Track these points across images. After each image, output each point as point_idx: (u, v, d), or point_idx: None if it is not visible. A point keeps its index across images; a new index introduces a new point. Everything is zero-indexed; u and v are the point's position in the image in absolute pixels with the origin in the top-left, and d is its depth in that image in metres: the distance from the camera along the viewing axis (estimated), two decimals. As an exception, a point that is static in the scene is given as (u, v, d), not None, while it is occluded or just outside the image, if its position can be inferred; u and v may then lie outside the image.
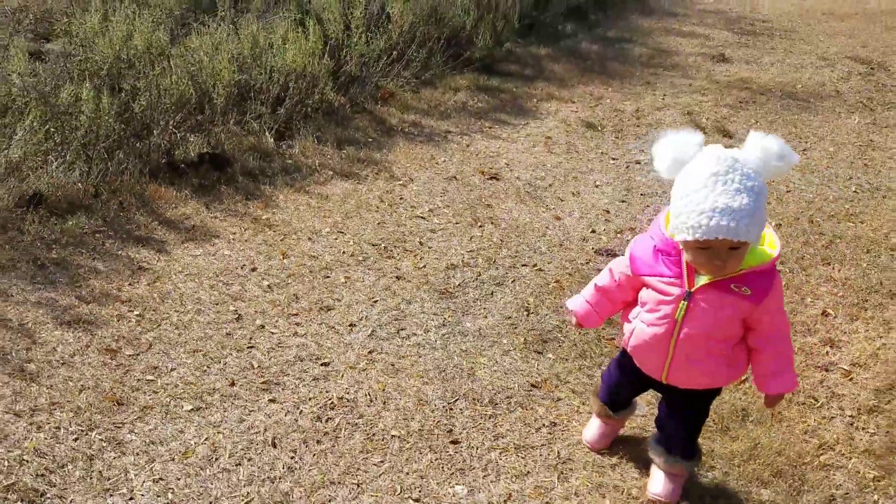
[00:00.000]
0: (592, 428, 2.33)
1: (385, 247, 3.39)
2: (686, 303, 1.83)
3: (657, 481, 2.13)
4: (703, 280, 1.82)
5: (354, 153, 4.25)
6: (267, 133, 4.22)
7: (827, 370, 2.73)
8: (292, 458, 2.21)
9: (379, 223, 3.58)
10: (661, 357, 1.93)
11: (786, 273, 3.30)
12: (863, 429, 2.47)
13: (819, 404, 2.56)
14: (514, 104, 5.18)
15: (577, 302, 2.13)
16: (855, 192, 4.11)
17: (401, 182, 4.00)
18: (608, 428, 2.31)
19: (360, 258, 3.29)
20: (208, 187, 3.73)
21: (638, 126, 4.94)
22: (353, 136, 4.44)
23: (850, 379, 2.69)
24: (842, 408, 2.55)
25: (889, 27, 7.64)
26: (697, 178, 1.70)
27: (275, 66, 4.40)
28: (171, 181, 3.70)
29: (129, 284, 2.93)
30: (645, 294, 1.93)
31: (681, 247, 1.81)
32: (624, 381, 2.18)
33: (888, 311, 3.07)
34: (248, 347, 2.67)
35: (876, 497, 2.22)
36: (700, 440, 2.17)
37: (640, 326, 1.95)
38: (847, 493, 2.22)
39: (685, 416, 2.08)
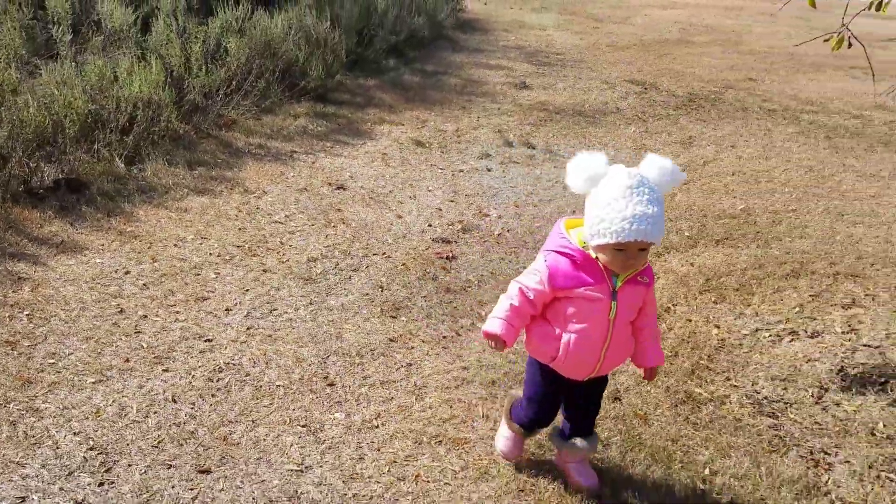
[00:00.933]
0: (507, 441, 2.43)
1: (249, 247, 3.82)
2: (615, 302, 2.05)
3: (583, 473, 2.34)
4: (619, 279, 2.06)
5: (206, 172, 4.63)
6: (117, 159, 4.50)
7: (616, 309, 3.49)
8: (192, 408, 2.60)
9: (240, 229, 4.00)
10: (595, 356, 2.11)
11: (583, 244, 4.09)
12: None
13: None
14: (351, 127, 5.77)
15: (497, 325, 2.11)
16: (634, 183, 5.05)
17: (255, 195, 4.43)
18: (522, 440, 2.44)
19: (227, 258, 3.69)
20: (69, 208, 3.97)
21: (459, 143, 5.68)
22: (202, 159, 4.82)
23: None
24: (628, 333, 3.30)
25: (660, 55, 9.07)
26: (615, 190, 1.94)
27: (122, 97, 4.69)
28: (33, 205, 3.91)
29: (13, 291, 3.17)
30: (570, 308, 2.07)
31: (593, 253, 2.04)
32: (551, 396, 2.28)
33: (656, 267, 3.92)
34: (135, 333, 3.01)
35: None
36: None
37: (572, 338, 2.08)
38: (627, 388, 2.94)
39: (598, 401, 2.33)
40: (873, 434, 2.63)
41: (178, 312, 3.18)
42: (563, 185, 4.78)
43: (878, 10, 2.27)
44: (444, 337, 3.19)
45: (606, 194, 1.95)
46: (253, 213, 4.21)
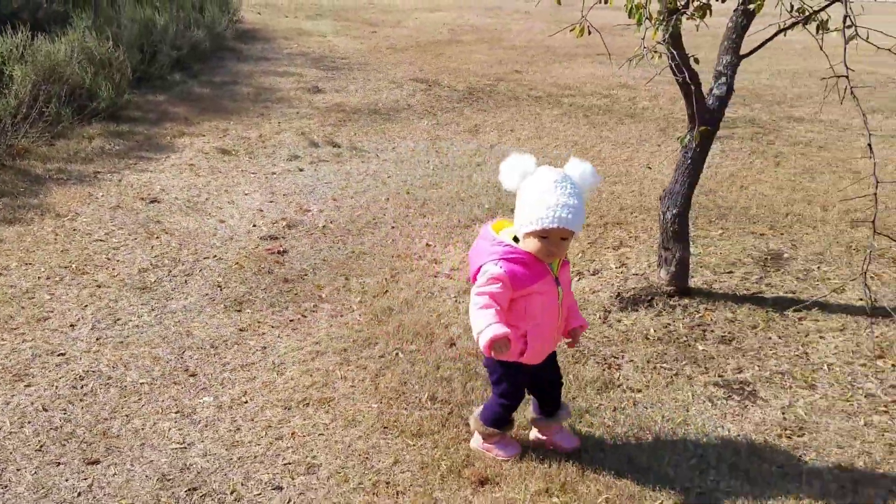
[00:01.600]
0: (501, 450, 2.57)
1: (76, 267, 3.84)
2: (560, 287, 2.34)
3: (566, 439, 2.60)
4: (555, 266, 2.35)
5: (12, 202, 4.51)
6: None
7: (436, 276, 3.98)
8: (65, 413, 2.71)
9: (62, 251, 4.00)
10: (551, 339, 2.40)
11: (398, 226, 4.55)
12: (461, 301, 3.74)
13: (436, 295, 3.77)
14: (151, 143, 5.79)
15: (494, 329, 2.23)
16: (433, 169, 5.59)
17: (68, 218, 4.41)
18: (505, 440, 2.59)
19: (57, 279, 3.71)
20: None
21: (265, 147, 5.91)
22: (2, 189, 4.66)
23: (451, 278, 3.96)
24: (449, 295, 3.79)
25: (436, 54, 9.78)
26: (542, 185, 2.21)
27: None
28: None
29: None
30: (527, 304, 2.30)
31: (521, 244, 2.28)
32: (522, 385, 2.51)
33: (466, 236, 4.47)
34: (-20, 360, 3.01)
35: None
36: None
37: (535, 329, 2.33)
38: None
39: (558, 373, 2.59)
40: (647, 338, 3.34)
41: (23, 334, 3.20)
42: (373, 176, 5.25)
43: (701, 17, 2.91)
44: (291, 321, 3.49)
45: (535, 188, 2.22)
46: (71, 234, 4.20)
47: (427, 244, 4.33)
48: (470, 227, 4.52)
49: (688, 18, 2.94)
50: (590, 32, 2.90)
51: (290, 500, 2.39)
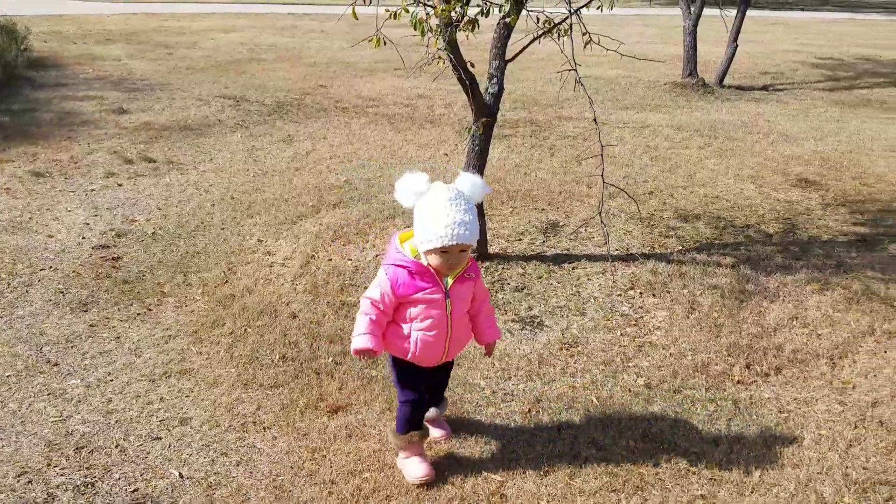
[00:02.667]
0: (416, 465, 2.61)
1: None
2: (449, 299, 2.46)
3: (440, 426, 2.85)
4: (449, 280, 2.47)
5: None
6: None
7: (271, 266, 4.42)
8: (-65, 409, 2.89)
9: None
10: (441, 346, 2.50)
11: (227, 227, 4.93)
12: (298, 283, 4.22)
13: (274, 281, 4.21)
14: (-44, 170, 5.68)
15: (363, 340, 2.43)
16: (254, 176, 5.98)
17: None
18: (423, 455, 2.66)
19: None
20: None
21: (79, 168, 5.98)
22: None
23: (286, 266, 4.42)
24: (286, 279, 4.26)
25: (238, 73, 10.06)
26: (437, 203, 2.34)
27: None
28: None
29: None
30: (413, 310, 2.45)
31: (423, 259, 2.42)
32: (420, 386, 2.62)
33: (295, 231, 4.94)
34: None
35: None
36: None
37: (419, 335, 2.47)
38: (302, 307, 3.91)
39: (447, 379, 2.81)
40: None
41: None
42: (194, 186, 5.56)
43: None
44: (138, 314, 3.79)
45: (430, 207, 2.35)
46: None
47: (258, 240, 4.75)
48: (297, 223, 4.99)
49: (459, 30, 3.66)
50: (385, 44, 3.53)
51: (170, 446, 2.78)
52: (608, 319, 3.78)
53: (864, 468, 2.71)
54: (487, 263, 4.32)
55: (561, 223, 4.98)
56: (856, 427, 2.95)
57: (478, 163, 4.23)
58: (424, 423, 2.73)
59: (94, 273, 4.22)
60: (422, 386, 2.63)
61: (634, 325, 3.74)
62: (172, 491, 2.56)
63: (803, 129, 7.81)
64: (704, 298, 3.94)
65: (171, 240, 4.72)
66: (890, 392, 3.18)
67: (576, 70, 3.49)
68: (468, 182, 2.45)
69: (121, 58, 11.08)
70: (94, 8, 17.80)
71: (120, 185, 5.64)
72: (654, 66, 11.48)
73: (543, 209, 5.24)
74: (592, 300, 3.98)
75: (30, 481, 2.57)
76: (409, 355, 2.51)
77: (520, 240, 4.69)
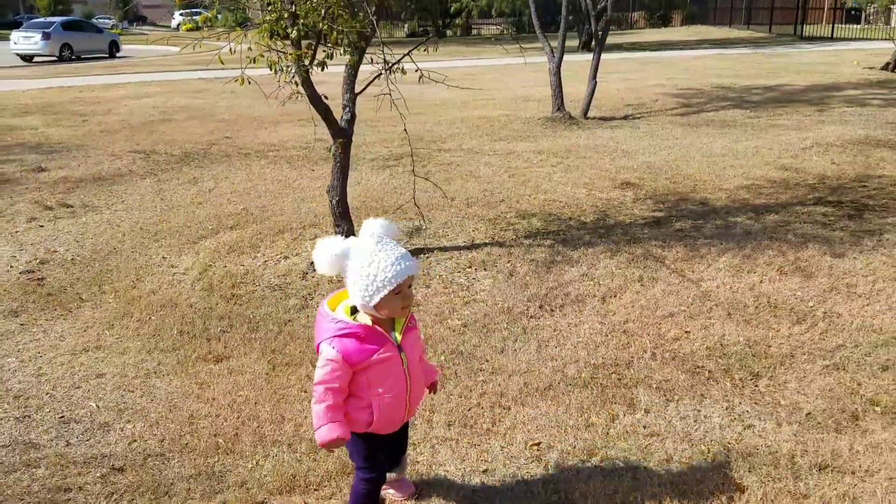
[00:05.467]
0: None
1: None
2: (403, 353, 2.35)
3: (403, 487, 2.76)
4: (397, 333, 2.36)
5: None
6: None
7: (174, 275, 5.29)
8: None
9: None
10: (402, 406, 2.39)
11: (136, 250, 5.78)
12: (196, 285, 5.11)
13: (176, 285, 5.09)
14: None
15: (327, 431, 2.29)
16: (161, 211, 6.83)
17: None
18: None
19: None
20: None
21: (3, 216, 6.73)
22: None
23: (186, 274, 5.29)
24: (186, 283, 5.13)
25: (150, 132, 10.92)
26: (369, 253, 2.23)
27: None
28: None
29: None
30: (370, 376, 2.32)
31: (364, 318, 2.32)
32: (379, 451, 2.51)
33: (196, 248, 5.81)
34: None
35: (210, 300, 4.87)
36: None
37: (382, 400, 2.34)
38: (198, 303, 4.80)
39: (406, 436, 2.72)
40: (332, 284, 4.98)
41: None
42: (107, 223, 6.40)
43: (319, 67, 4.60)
44: (61, 315, 4.61)
45: (366, 260, 2.23)
46: None
47: (163, 257, 5.63)
48: (198, 243, 5.89)
49: (309, 68, 4.69)
50: (249, 82, 4.54)
51: (88, 391, 3.63)
52: (446, 287, 4.80)
53: (602, 357, 3.77)
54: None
55: (424, 227, 6.01)
56: (605, 336, 4.02)
57: (340, 175, 5.25)
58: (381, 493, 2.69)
59: (21, 290, 5.02)
60: (384, 458, 2.54)
61: (466, 290, 4.76)
62: (91, 415, 3.41)
63: (643, 146, 9.15)
64: (522, 268, 5.01)
65: (87, 263, 5.54)
66: (639, 314, 4.27)
67: (391, 94, 4.55)
68: (377, 225, 2.35)
69: (38, 127, 11.80)
70: (6, 85, 18.38)
71: (42, 227, 6.44)
72: (532, 106, 12.88)
73: (411, 218, 6.28)
74: (438, 277, 4.99)
75: (-22, 419, 3.39)
76: (373, 426, 2.38)
77: (386, 241, 5.70)
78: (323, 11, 4.72)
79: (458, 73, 19.06)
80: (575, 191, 7.00)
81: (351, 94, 5.18)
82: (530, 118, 11.72)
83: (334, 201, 5.28)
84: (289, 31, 4.58)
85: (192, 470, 2.97)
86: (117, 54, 31.35)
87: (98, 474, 2.96)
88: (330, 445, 2.32)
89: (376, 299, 2.26)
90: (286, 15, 4.60)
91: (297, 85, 4.61)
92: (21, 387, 3.66)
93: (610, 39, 32.34)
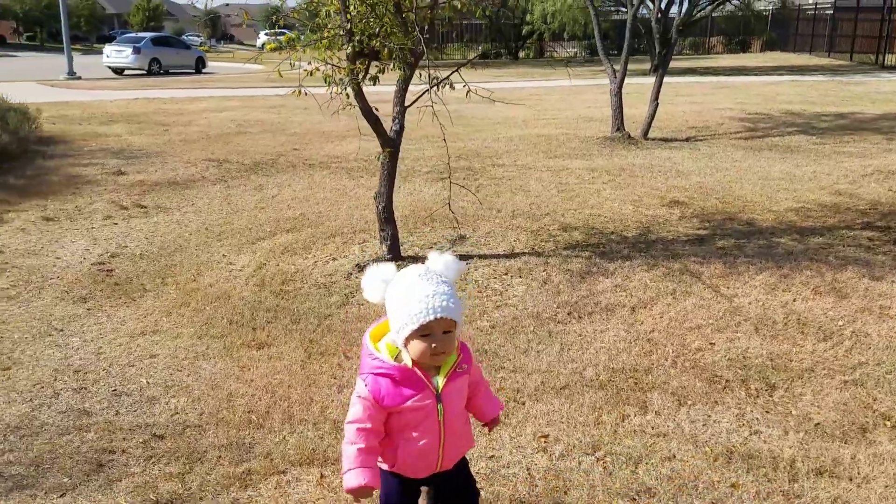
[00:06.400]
0: None
1: (-52, 289, 5.10)
2: (441, 404, 2.14)
3: None
4: (440, 380, 2.14)
5: None
6: None
7: (231, 271, 5.63)
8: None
9: (-68, 282, 5.22)
10: (433, 455, 2.19)
11: (200, 248, 6.17)
12: (250, 281, 5.43)
13: (231, 280, 5.42)
14: (-18, 217, 6.99)
15: (355, 477, 2.11)
16: (226, 214, 7.24)
17: (-72, 264, 5.59)
18: None
19: (-65, 297, 4.95)
20: None
21: (82, 214, 7.27)
22: None
23: (242, 271, 5.63)
24: (240, 279, 5.47)
25: (226, 143, 11.50)
26: (407, 282, 2.07)
27: None
28: None
29: None
30: (399, 420, 2.14)
31: (405, 358, 2.12)
32: (401, 496, 2.31)
33: (254, 248, 6.16)
34: None
35: (260, 295, 5.19)
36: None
37: (409, 445, 2.16)
38: (249, 297, 5.12)
39: (470, 482, 2.42)
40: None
41: (-78, 323, 4.47)
42: (177, 223, 6.84)
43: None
44: (124, 303, 5.00)
45: (401, 288, 2.08)
46: (-65, 273, 5.41)
47: (223, 255, 6.00)
48: (256, 243, 6.24)
49: (362, 81, 4.98)
50: (306, 94, 4.85)
51: (141, 369, 3.95)
52: (480, 292, 4.98)
53: (622, 362, 3.88)
54: (399, 263, 5.53)
55: (468, 236, 6.22)
56: (629, 343, 4.12)
57: (388, 182, 5.52)
58: None
59: (91, 280, 5.45)
60: (408, 492, 2.33)
61: (499, 295, 4.93)
62: (140, 390, 3.73)
63: (699, 167, 9.13)
64: (557, 277, 5.15)
65: (154, 258, 5.96)
66: (666, 325, 4.35)
67: (433, 106, 4.78)
68: (439, 260, 2.20)
69: (122, 134, 12.57)
70: (96, 96, 19.57)
71: (115, 224, 6.93)
72: (593, 126, 12.96)
73: (455, 228, 6.49)
74: (473, 282, 5.17)
75: (42, 387, 3.75)
76: (396, 467, 2.23)
77: (431, 247, 5.92)
78: (377, 29, 5.03)
79: (525, 94, 19.30)
80: (621, 207, 7.08)
81: (401, 108, 5.44)
82: (589, 137, 11.81)
83: (380, 206, 5.54)
84: (344, 47, 4.90)
85: (225, 440, 3.23)
86: (203, 70, 32.82)
87: (140, 440, 3.25)
88: (356, 494, 2.13)
89: (403, 335, 2.08)
90: (342, 32, 4.93)
91: (348, 97, 4.90)
92: (81, 363, 4.02)
93: (685, 63, 32.14)
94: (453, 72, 5.21)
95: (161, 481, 2.94)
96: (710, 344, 4.09)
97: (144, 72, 30.23)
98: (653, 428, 3.24)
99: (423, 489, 2.43)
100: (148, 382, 3.81)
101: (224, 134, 12.62)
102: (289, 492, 2.87)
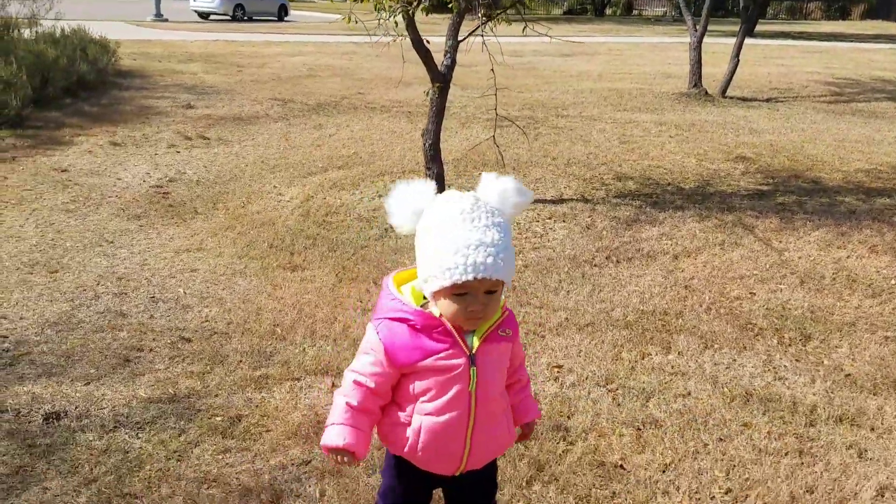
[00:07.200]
0: None
1: (15, 202, 5.37)
2: (475, 368, 1.64)
3: None
4: (475, 339, 1.65)
5: (-49, 169, 5.94)
6: None
7: (279, 201, 5.73)
8: (29, 255, 4.29)
9: (2, 194, 5.50)
10: (458, 443, 1.68)
11: (253, 178, 6.30)
12: (295, 211, 5.52)
13: (279, 209, 5.52)
14: (54, 140, 7.30)
15: (337, 435, 1.67)
16: (283, 150, 7.35)
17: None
18: None
19: (2, 208, 5.22)
20: None
21: (148, 142, 7.50)
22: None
23: (290, 202, 5.72)
24: (287, 208, 5.55)
25: (294, 84, 11.63)
26: (445, 219, 1.57)
27: None
28: None
29: None
30: (421, 384, 1.66)
31: (433, 308, 1.65)
32: (408, 496, 1.84)
33: (305, 182, 6.24)
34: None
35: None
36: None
37: (428, 420, 1.66)
38: (293, 225, 5.20)
39: (491, 494, 1.92)
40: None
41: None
42: (235, 154, 6.99)
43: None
44: (175, 223, 5.15)
45: (435, 225, 1.60)
46: (4, 188, 5.69)
47: (274, 186, 6.10)
48: (307, 178, 6.31)
49: (413, 11, 4.92)
50: (357, 21, 4.82)
51: (180, 281, 4.08)
52: (519, 234, 4.91)
53: (654, 305, 3.78)
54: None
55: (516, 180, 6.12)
56: (664, 288, 4.00)
57: (436, 119, 5.47)
58: None
59: (147, 200, 5.63)
60: (418, 496, 1.86)
61: (538, 237, 4.86)
62: (177, 298, 3.86)
63: (774, 126, 8.72)
64: (601, 223, 5.03)
65: (209, 185, 6.11)
66: (708, 273, 4.20)
67: (483, 37, 4.68)
68: (495, 186, 1.68)
69: (197, 72, 12.85)
70: (179, 36, 20.04)
71: (178, 153, 7.13)
72: (671, 82, 12.52)
73: (508, 173, 6.40)
74: (515, 225, 5.11)
75: (84, 290, 3.92)
76: (407, 452, 1.71)
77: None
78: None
79: (604, 48, 18.78)
80: (683, 160, 6.84)
81: (453, 41, 5.36)
82: (664, 93, 11.42)
83: (427, 143, 5.51)
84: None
85: (248, 348, 3.32)
86: (285, 18, 33.17)
87: (168, 341, 3.37)
88: (334, 453, 1.68)
89: (431, 288, 1.61)
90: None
91: (396, 24, 4.86)
92: (125, 271, 4.18)
93: (779, 27, 30.63)
94: (512, 4, 5.09)
95: (182, 378, 3.04)
96: (751, 294, 3.93)
97: (229, 17, 30.73)
98: (672, 367, 3.15)
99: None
100: (185, 293, 3.93)
101: (294, 77, 12.75)
102: (300, 396, 2.93)
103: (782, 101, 11.05)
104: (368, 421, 1.70)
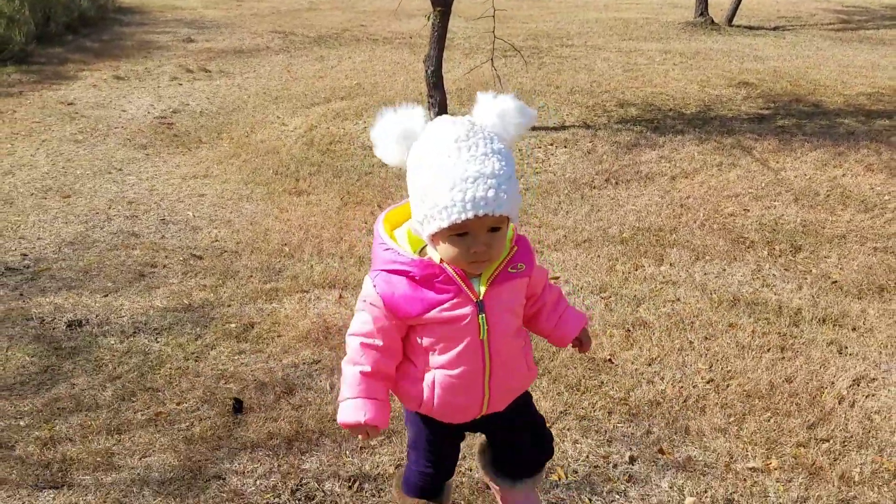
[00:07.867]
0: None
1: (25, 133, 5.45)
2: (483, 315, 1.50)
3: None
4: (482, 282, 1.50)
5: (-41, 103, 6.00)
6: None
7: (283, 131, 5.80)
8: (43, 182, 4.40)
9: (11, 125, 5.57)
10: (476, 393, 1.58)
11: (256, 109, 6.35)
12: (298, 140, 5.59)
13: (281, 138, 5.59)
14: (59, 75, 7.33)
15: (353, 410, 1.54)
16: (285, 81, 7.36)
17: (9, 113, 5.95)
18: None
19: (15, 138, 5.30)
20: None
21: (151, 75, 7.52)
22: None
23: (293, 131, 5.78)
24: (290, 137, 5.63)
25: (295, 17, 11.52)
26: (437, 150, 1.40)
27: None
28: None
29: None
30: (428, 338, 1.53)
31: (432, 253, 1.50)
32: (435, 442, 1.73)
33: (307, 112, 6.29)
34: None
35: (309, 152, 5.34)
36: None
37: (441, 374, 1.55)
38: (298, 153, 5.28)
39: (533, 420, 1.79)
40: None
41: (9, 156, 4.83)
42: (238, 86, 7.01)
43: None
44: (181, 152, 5.24)
45: (427, 157, 1.43)
46: (13, 119, 5.77)
47: (277, 116, 6.15)
48: (310, 108, 6.36)
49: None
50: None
51: (188, 205, 4.19)
52: (521, 160, 4.98)
53: (649, 223, 3.88)
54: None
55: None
56: (660, 207, 4.10)
57: (437, 45, 5.49)
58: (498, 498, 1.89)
59: (153, 131, 5.71)
60: (443, 453, 1.77)
61: (540, 162, 4.94)
62: (186, 220, 3.98)
63: (779, 53, 8.65)
64: (602, 147, 5.10)
65: (212, 115, 6.17)
66: (704, 192, 4.29)
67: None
68: (491, 109, 1.51)
69: (196, 7, 12.70)
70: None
71: (181, 85, 7.16)
72: (678, 12, 12.32)
73: (499, 88, 6.42)
74: (517, 151, 5.17)
75: (97, 213, 4.04)
76: (423, 406, 1.62)
77: (481, 118, 5.90)
78: None
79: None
80: (686, 86, 6.84)
81: (455, -34, 5.33)
82: (670, 22, 11.26)
83: (429, 70, 5.54)
84: None
85: (258, 264, 3.46)
86: (283, -48, 32.43)
87: (180, 258, 3.50)
88: (353, 431, 1.57)
89: (428, 230, 1.45)
90: None
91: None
92: (135, 196, 4.30)
93: (788, -45, 29.78)
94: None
95: (195, 291, 3.19)
96: (745, 210, 4.03)
97: (226, -48, 30.08)
98: (664, 277, 3.28)
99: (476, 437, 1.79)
100: (193, 215, 4.05)
101: (294, 10, 12.59)
102: (309, 306, 3.07)
103: (789, 29, 10.91)
104: (384, 387, 1.57)
